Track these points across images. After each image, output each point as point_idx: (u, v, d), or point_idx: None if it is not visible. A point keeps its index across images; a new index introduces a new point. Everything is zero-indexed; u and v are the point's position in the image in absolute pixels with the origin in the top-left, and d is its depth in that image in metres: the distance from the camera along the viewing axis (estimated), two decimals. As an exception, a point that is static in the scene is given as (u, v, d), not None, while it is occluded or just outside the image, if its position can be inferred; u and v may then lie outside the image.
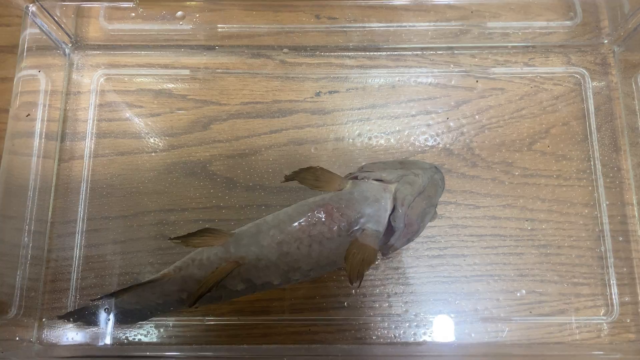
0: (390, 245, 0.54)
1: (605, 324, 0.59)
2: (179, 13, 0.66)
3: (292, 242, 0.52)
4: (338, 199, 0.53)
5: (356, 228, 0.52)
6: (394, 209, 0.52)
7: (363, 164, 0.60)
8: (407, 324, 0.59)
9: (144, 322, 0.59)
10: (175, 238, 0.52)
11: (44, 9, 0.62)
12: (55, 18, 0.63)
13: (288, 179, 0.53)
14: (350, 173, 0.56)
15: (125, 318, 0.57)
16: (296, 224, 0.52)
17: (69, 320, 0.58)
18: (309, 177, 0.53)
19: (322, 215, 0.52)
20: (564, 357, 0.57)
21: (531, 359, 0.57)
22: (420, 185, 0.54)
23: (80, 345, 0.58)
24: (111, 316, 0.57)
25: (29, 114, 0.57)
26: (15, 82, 0.60)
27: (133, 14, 0.66)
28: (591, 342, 0.58)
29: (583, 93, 0.66)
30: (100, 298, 0.55)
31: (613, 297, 0.60)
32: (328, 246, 0.52)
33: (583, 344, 0.58)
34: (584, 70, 0.66)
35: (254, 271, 0.52)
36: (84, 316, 0.58)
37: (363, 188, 0.53)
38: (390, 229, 0.53)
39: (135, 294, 0.55)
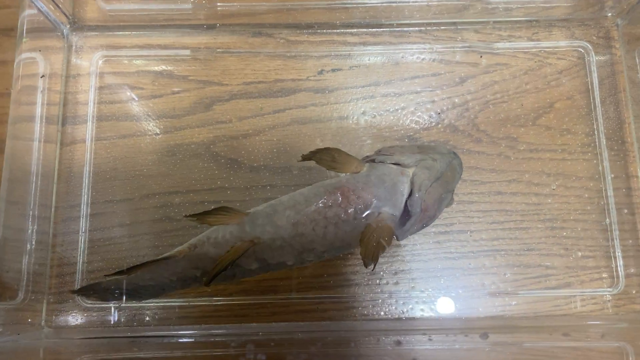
0: (405, 230, 0.53)
1: (610, 296, 0.60)
2: (178, -8, 0.65)
3: (308, 223, 0.51)
4: (355, 181, 0.52)
5: (372, 211, 0.51)
6: (410, 194, 0.52)
7: (380, 147, 0.59)
8: (415, 300, 0.59)
9: (153, 303, 0.59)
10: (190, 215, 0.52)
11: (41, -12, 0.61)
12: (53, -2, 0.62)
13: (305, 158, 0.53)
14: (367, 156, 0.56)
15: (138, 294, 0.57)
16: (312, 205, 0.52)
17: (81, 295, 0.58)
18: (326, 157, 0.53)
19: (339, 197, 0.52)
20: (570, 327, 0.58)
21: (538, 330, 0.58)
22: (438, 170, 0.53)
23: (89, 327, 0.58)
24: (124, 292, 0.57)
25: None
26: (16, 65, 0.59)
27: (131, -6, 0.65)
28: (597, 314, 0.59)
29: (587, 67, 0.65)
30: (114, 274, 0.55)
31: (619, 269, 0.60)
32: (343, 228, 0.51)
33: (589, 315, 0.59)
34: (588, 44, 0.66)
35: (268, 251, 0.52)
36: (97, 291, 0.58)
37: (380, 171, 0.53)
38: (406, 214, 0.53)
39: (149, 271, 0.54)
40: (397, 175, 0.52)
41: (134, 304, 0.59)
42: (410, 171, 0.53)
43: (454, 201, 0.57)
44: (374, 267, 0.51)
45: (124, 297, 0.57)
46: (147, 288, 0.56)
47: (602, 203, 0.62)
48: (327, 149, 0.53)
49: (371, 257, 0.50)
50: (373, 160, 0.54)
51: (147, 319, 0.59)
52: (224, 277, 0.55)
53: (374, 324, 0.58)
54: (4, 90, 0.62)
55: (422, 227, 0.55)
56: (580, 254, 0.61)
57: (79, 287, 0.59)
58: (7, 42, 0.63)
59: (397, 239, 0.55)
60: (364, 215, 0.51)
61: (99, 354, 0.55)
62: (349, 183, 0.52)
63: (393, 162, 0.53)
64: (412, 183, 0.52)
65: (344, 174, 0.54)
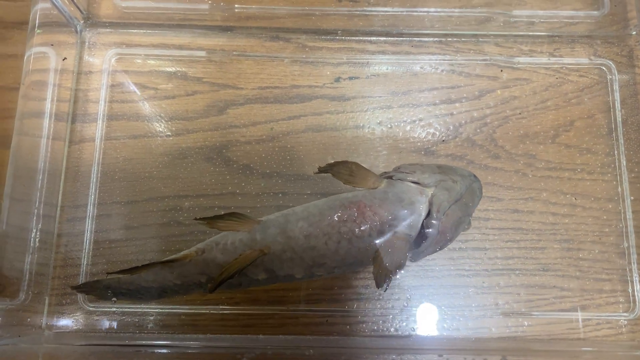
0: (420, 251, 0.52)
1: (626, 321, 0.58)
2: (196, -8, 0.64)
3: (320, 237, 0.50)
4: (372, 197, 0.51)
5: (388, 230, 0.50)
6: (428, 214, 0.51)
7: (396, 159, 0.58)
8: (427, 317, 0.58)
9: (157, 309, 0.57)
10: (200, 219, 0.51)
11: (56, -17, 0.59)
12: (67, -7, 0.61)
13: (322, 170, 0.51)
14: (385, 172, 0.55)
15: (140, 295, 0.55)
16: (326, 218, 0.50)
17: (82, 292, 0.57)
18: (343, 171, 0.51)
19: (354, 213, 0.50)
20: (584, 353, 0.56)
21: (551, 354, 0.56)
22: (458, 192, 0.52)
23: (90, 331, 0.57)
24: (125, 292, 0.55)
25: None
26: (26, 59, 0.58)
27: (147, -8, 0.64)
28: (612, 339, 0.58)
29: (609, 85, 0.64)
30: (117, 272, 0.53)
31: (635, 294, 0.59)
32: (357, 245, 0.50)
33: (604, 341, 0.57)
34: (610, 62, 0.65)
35: (277, 262, 0.51)
36: (98, 289, 0.56)
37: (398, 189, 0.51)
38: (422, 235, 0.51)
39: (153, 272, 0.53)
40: (415, 195, 0.51)
41: (138, 309, 0.57)
42: (430, 191, 0.51)
43: (471, 225, 0.55)
44: (386, 289, 0.50)
45: (125, 297, 0.56)
46: (149, 290, 0.54)
47: (620, 226, 0.60)
48: (345, 162, 0.52)
49: (384, 278, 0.49)
50: (391, 177, 0.53)
51: (151, 325, 0.57)
52: (230, 285, 0.53)
53: (385, 340, 0.57)
54: (13, 84, 0.60)
55: (438, 250, 0.53)
56: (596, 276, 0.59)
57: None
58: (19, 36, 0.61)
59: (412, 260, 0.53)
60: (378, 232, 0.50)
61: (100, 360, 0.54)
62: (365, 198, 0.51)
63: (412, 180, 0.52)
64: (430, 204, 0.51)
65: (360, 189, 0.52)
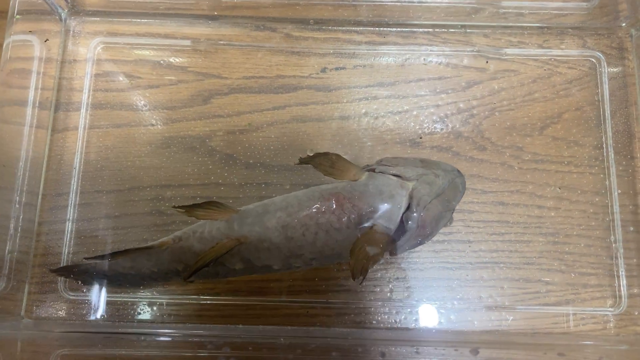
0: (399, 245, 0.51)
1: (612, 316, 0.57)
2: (181, -20, 0.64)
3: (298, 228, 0.50)
4: (351, 189, 0.51)
5: (366, 222, 0.49)
6: (408, 208, 0.50)
7: (380, 149, 0.57)
8: (409, 310, 0.57)
9: (137, 299, 0.57)
10: (179, 207, 0.50)
11: (39, -30, 0.59)
12: (51, -20, 0.60)
13: (303, 161, 0.51)
14: (367, 165, 0.54)
15: (118, 282, 0.55)
16: (305, 209, 0.50)
17: (60, 275, 0.57)
18: (324, 162, 0.51)
19: (333, 204, 0.50)
20: (569, 347, 0.55)
21: (535, 348, 0.55)
22: (440, 187, 0.51)
23: (69, 320, 0.56)
24: (104, 277, 0.55)
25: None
26: (5, 46, 0.57)
27: (133, -20, 0.64)
28: (597, 334, 0.57)
29: (598, 78, 0.63)
30: (94, 258, 0.53)
31: (622, 288, 0.58)
32: (334, 237, 0.50)
33: (589, 335, 0.56)
34: (600, 54, 0.64)
35: (254, 252, 0.50)
36: (77, 274, 0.56)
37: (379, 182, 0.51)
38: (401, 228, 0.51)
39: (130, 259, 0.53)
40: (395, 188, 0.50)
41: (118, 298, 0.57)
42: (411, 185, 0.51)
43: (453, 220, 0.55)
44: (362, 281, 0.49)
45: (104, 282, 0.56)
46: (127, 276, 0.54)
47: (607, 219, 0.60)
48: (326, 154, 0.51)
49: (360, 270, 0.48)
50: (373, 170, 0.52)
51: (130, 315, 0.57)
52: (206, 274, 0.53)
53: (366, 332, 0.56)
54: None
55: (418, 244, 0.53)
56: (582, 270, 0.58)
57: (60, 278, 0.57)
58: (3, 25, 0.61)
59: (390, 254, 0.53)
60: (357, 225, 0.50)
61: (78, 348, 0.54)
62: (345, 190, 0.50)
63: (394, 173, 0.51)
64: (410, 197, 0.50)
65: (341, 181, 0.52)
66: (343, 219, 0.49)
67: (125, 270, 0.53)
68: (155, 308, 0.57)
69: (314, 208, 0.50)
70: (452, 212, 0.54)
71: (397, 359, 0.52)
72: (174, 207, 0.51)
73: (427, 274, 0.58)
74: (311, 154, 0.52)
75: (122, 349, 0.53)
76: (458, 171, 0.55)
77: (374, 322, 0.57)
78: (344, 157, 0.52)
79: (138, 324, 0.56)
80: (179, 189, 0.60)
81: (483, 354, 0.53)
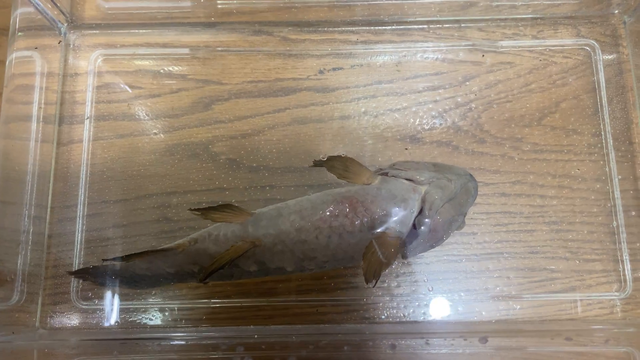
0: (411, 249, 0.52)
1: (618, 300, 0.58)
2: (177, -10, 0.64)
3: (312, 231, 0.50)
4: (364, 193, 0.51)
5: (379, 226, 0.50)
6: (420, 212, 0.51)
7: (383, 155, 0.58)
8: (417, 303, 0.58)
9: (149, 305, 0.58)
10: (195, 209, 0.51)
11: (38, -14, 0.60)
12: (50, -4, 0.61)
13: (316, 164, 0.52)
14: (380, 168, 0.55)
15: (134, 283, 0.57)
16: (318, 212, 0.51)
17: (78, 277, 0.58)
18: (338, 165, 0.52)
19: (346, 208, 0.50)
20: (574, 332, 0.56)
21: (541, 334, 0.56)
22: (452, 191, 0.52)
23: (83, 328, 0.57)
24: (120, 279, 0.57)
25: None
26: (8, 63, 0.58)
27: (129, -8, 0.64)
28: (604, 318, 0.57)
29: (593, 66, 0.64)
30: (113, 259, 0.55)
31: (626, 273, 0.58)
32: (347, 240, 0.50)
33: (596, 320, 0.57)
34: (594, 42, 0.64)
35: (268, 254, 0.51)
36: (94, 276, 0.57)
37: (392, 186, 0.52)
38: (413, 232, 0.51)
39: (147, 260, 0.54)
40: (408, 192, 0.51)
41: (130, 305, 0.58)
42: (423, 189, 0.51)
43: (465, 224, 0.55)
44: (375, 284, 0.50)
45: (121, 285, 0.57)
46: (143, 277, 0.55)
47: (609, 205, 0.60)
48: (340, 157, 0.52)
49: (372, 274, 0.49)
50: (386, 174, 0.53)
51: (143, 321, 0.58)
52: (221, 276, 0.54)
53: (375, 327, 0.57)
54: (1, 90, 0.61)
55: (429, 248, 0.53)
56: (586, 257, 0.59)
57: (72, 289, 0.58)
58: (4, 42, 0.62)
59: (402, 258, 0.53)
60: (370, 229, 0.50)
61: (94, 356, 0.54)
62: (358, 194, 0.51)
63: (406, 177, 0.52)
64: (423, 201, 0.51)
65: (354, 185, 0.53)
66: (356, 223, 0.50)
67: (142, 272, 0.55)
68: (167, 313, 0.58)
69: (328, 211, 0.51)
70: (464, 217, 0.55)
71: (407, 351, 0.53)
72: (190, 209, 0.52)
73: (433, 268, 0.59)
74: (324, 158, 0.52)
75: (138, 354, 0.54)
76: (470, 175, 0.55)
77: (383, 317, 0.58)
78: (356, 160, 0.53)
79: (151, 329, 0.57)
80: (184, 195, 0.61)
81: (492, 342, 0.54)
